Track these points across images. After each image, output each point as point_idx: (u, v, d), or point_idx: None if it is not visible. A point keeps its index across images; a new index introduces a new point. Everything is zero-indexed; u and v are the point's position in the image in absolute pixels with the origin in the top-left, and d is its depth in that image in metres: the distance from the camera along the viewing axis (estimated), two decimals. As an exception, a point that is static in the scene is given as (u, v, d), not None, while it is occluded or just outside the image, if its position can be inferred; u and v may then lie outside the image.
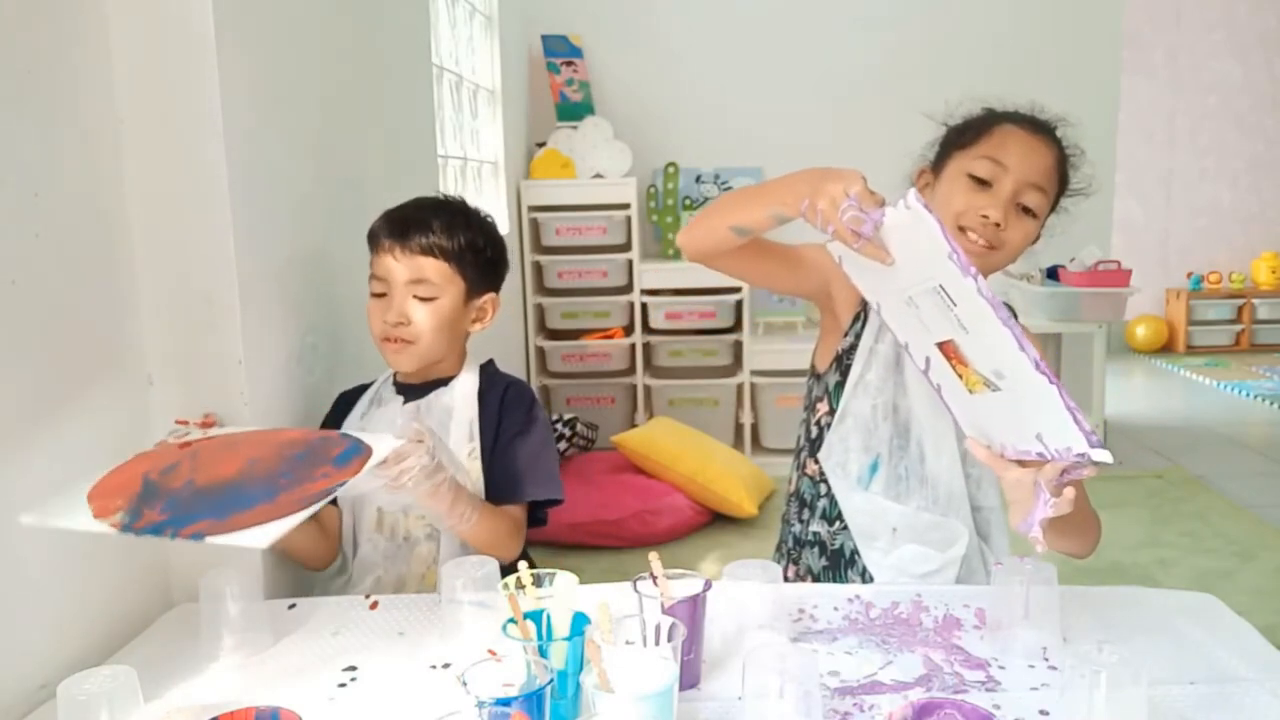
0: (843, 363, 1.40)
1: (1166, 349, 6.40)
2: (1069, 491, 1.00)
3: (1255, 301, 6.33)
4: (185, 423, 1.28)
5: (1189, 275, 6.44)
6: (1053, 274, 4.06)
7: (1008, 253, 1.32)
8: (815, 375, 1.47)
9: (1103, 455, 0.94)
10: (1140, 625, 1.17)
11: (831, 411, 1.40)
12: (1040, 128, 1.34)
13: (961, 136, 1.36)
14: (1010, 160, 1.29)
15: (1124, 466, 3.88)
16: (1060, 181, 1.35)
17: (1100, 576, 2.78)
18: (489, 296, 1.49)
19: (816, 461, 1.42)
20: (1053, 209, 1.36)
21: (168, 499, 1.09)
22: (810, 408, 1.46)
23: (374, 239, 1.44)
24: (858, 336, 1.39)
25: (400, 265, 1.39)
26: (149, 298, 1.31)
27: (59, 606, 1.14)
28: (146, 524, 1.05)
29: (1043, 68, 4.14)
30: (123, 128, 1.27)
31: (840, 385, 1.40)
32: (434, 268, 1.40)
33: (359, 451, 1.14)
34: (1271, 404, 4.91)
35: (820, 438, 1.42)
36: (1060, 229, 1.39)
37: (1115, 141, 4.44)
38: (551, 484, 1.45)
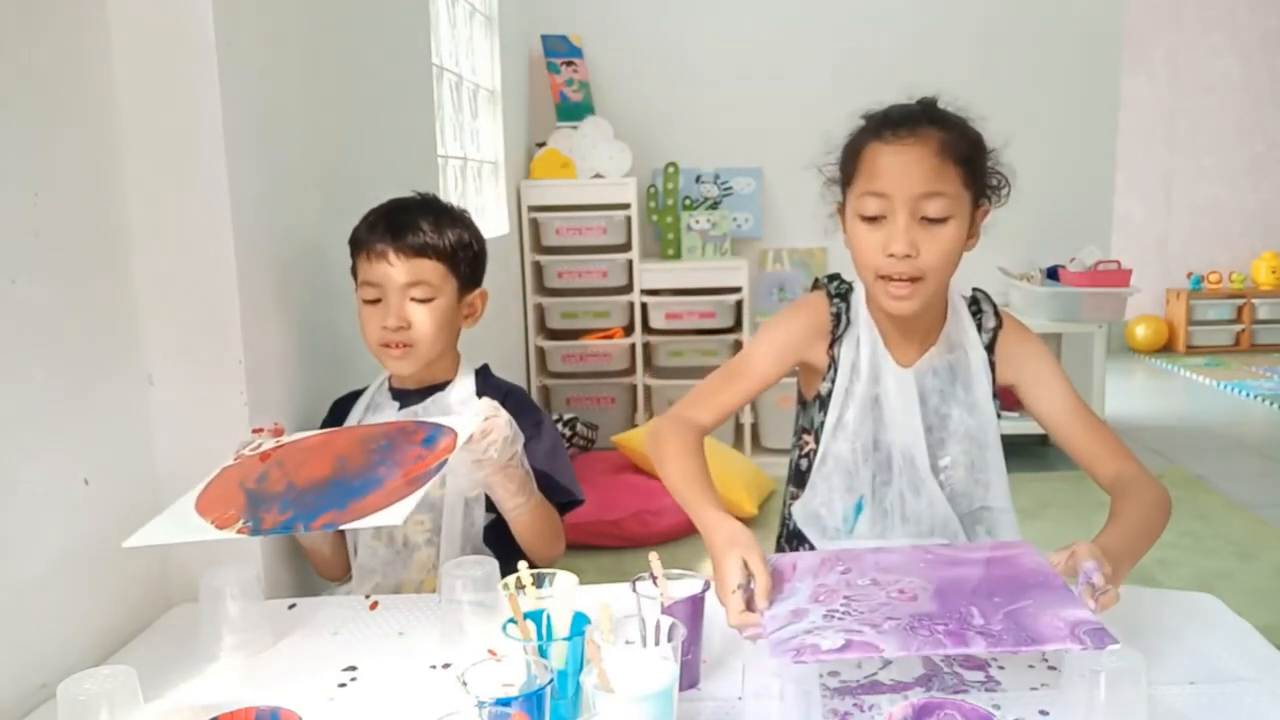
0: (825, 402, 1.37)
1: (1166, 349, 6.39)
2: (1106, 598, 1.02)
3: (1255, 301, 6.32)
4: (260, 430, 1.27)
5: (1189, 275, 6.43)
6: (1053, 274, 4.06)
7: (939, 271, 1.24)
8: (802, 403, 1.45)
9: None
10: (1140, 625, 1.17)
11: (817, 447, 1.38)
12: (906, 124, 1.23)
13: (845, 169, 1.30)
14: (889, 185, 1.21)
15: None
16: (959, 160, 1.22)
17: (1100, 576, 2.77)
18: (478, 291, 1.48)
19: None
20: (977, 184, 1.26)
21: (280, 501, 1.11)
22: (798, 435, 1.44)
23: (360, 244, 1.41)
24: (833, 381, 1.36)
25: (397, 269, 1.37)
26: (149, 298, 1.31)
27: (59, 606, 1.14)
28: (273, 525, 1.08)
29: (1043, 68, 4.13)
30: (123, 128, 1.27)
31: (825, 425, 1.36)
32: (430, 268, 1.39)
33: (441, 432, 1.18)
34: (1271, 404, 4.91)
35: (809, 471, 1.39)
36: (1022, 204, 1.33)
37: (1115, 141, 4.43)
38: (572, 485, 1.45)
